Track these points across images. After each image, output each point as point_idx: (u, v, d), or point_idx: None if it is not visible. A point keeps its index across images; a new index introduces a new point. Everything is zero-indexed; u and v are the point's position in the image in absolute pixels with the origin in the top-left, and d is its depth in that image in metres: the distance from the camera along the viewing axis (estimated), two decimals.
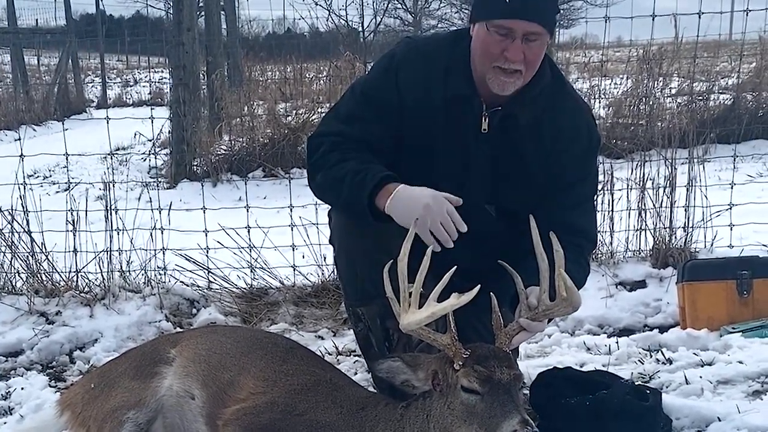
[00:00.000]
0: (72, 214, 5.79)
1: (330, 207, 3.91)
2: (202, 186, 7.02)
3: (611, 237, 5.99)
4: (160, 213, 5.99)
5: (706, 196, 5.97)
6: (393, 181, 3.39)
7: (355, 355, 4.92)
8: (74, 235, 5.81)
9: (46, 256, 5.78)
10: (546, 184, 3.67)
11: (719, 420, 3.77)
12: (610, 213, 6.02)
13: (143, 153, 11.88)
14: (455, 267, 3.07)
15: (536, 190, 3.65)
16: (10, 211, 5.78)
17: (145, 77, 25.24)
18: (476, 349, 3.05)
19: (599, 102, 11.30)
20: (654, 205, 6.00)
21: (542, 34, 3.44)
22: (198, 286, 5.84)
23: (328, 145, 3.62)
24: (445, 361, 3.06)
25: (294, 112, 11.95)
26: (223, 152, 11.03)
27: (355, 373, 4.61)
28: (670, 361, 4.62)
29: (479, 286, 3.00)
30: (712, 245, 5.94)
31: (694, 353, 4.68)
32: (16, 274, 5.81)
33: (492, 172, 3.68)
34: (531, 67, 3.50)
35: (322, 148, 3.63)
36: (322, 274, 5.88)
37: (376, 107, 3.66)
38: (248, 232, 5.99)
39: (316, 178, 3.65)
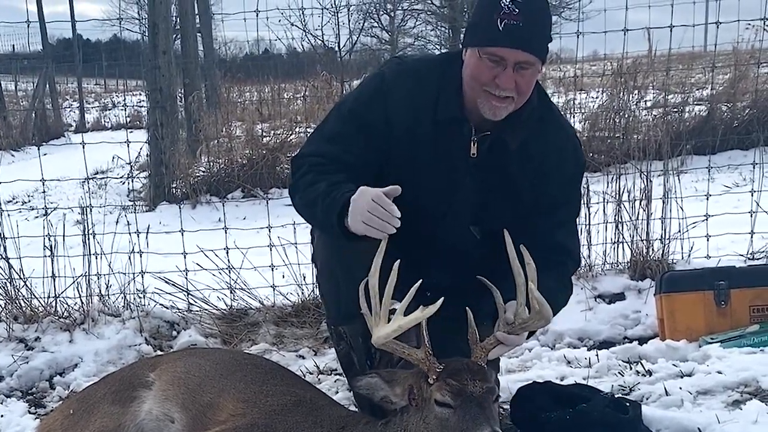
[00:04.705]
0: (49, 239, 5.77)
1: (312, 226, 3.93)
2: (180, 208, 7.00)
3: (589, 250, 6.00)
4: (138, 236, 5.96)
5: (682, 208, 6.00)
6: None
7: (336, 374, 4.91)
8: (52, 260, 5.78)
9: (25, 282, 5.74)
10: (532, 206, 3.69)
11: (699, 431, 3.78)
12: (588, 226, 6.02)
13: (122, 176, 11.86)
14: (421, 281, 3.12)
15: (522, 212, 3.66)
16: None
17: (123, 101, 25.17)
18: (450, 363, 3.09)
19: (575, 116, 11.33)
20: (631, 218, 6.02)
21: (534, 63, 3.46)
22: (178, 309, 5.82)
23: (307, 167, 3.62)
24: (420, 376, 3.10)
25: (272, 132, 11.95)
26: (202, 174, 11.02)
27: (336, 392, 4.61)
28: (649, 373, 4.63)
29: (443, 298, 3.04)
30: (689, 256, 5.96)
31: (674, 364, 4.69)
32: None
33: (479, 196, 3.69)
34: (523, 95, 3.51)
35: (302, 169, 3.64)
36: (302, 293, 5.87)
37: (363, 127, 3.64)
38: (227, 253, 5.98)
39: (294, 199, 3.67)
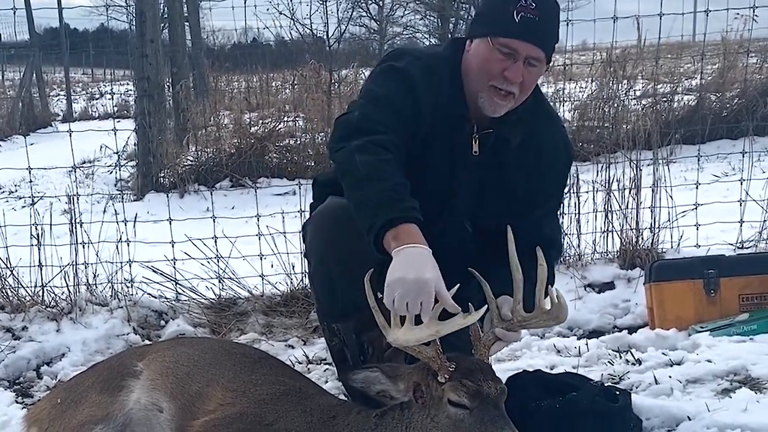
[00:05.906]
0: (36, 228, 5.74)
1: (308, 219, 3.88)
2: (168, 197, 6.97)
3: (578, 239, 6.01)
4: (126, 225, 5.94)
5: (671, 197, 6.01)
6: (419, 225, 3.13)
7: (325, 364, 4.90)
8: (39, 249, 5.75)
9: (11, 271, 5.72)
10: (526, 201, 3.66)
11: (689, 419, 3.77)
12: (577, 215, 6.04)
13: (109, 166, 11.82)
14: (458, 285, 3.02)
15: (515, 209, 3.62)
16: None
17: (111, 90, 25.03)
18: (460, 362, 3.02)
19: (564, 106, 11.32)
20: (620, 207, 6.03)
21: (542, 61, 3.44)
22: (166, 298, 5.80)
23: (387, 137, 3.33)
24: (427, 373, 3.02)
25: (260, 121, 11.92)
26: (190, 163, 10.98)
27: (326, 382, 4.59)
28: (639, 362, 4.63)
29: (486, 306, 3.01)
30: (678, 245, 5.98)
31: (663, 353, 4.70)
32: None
33: (477, 193, 3.67)
34: (524, 92, 3.48)
35: (381, 135, 3.33)
36: (291, 283, 5.86)
37: (398, 113, 3.46)
38: (215, 242, 5.95)
39: (351, 144, 3.29)
